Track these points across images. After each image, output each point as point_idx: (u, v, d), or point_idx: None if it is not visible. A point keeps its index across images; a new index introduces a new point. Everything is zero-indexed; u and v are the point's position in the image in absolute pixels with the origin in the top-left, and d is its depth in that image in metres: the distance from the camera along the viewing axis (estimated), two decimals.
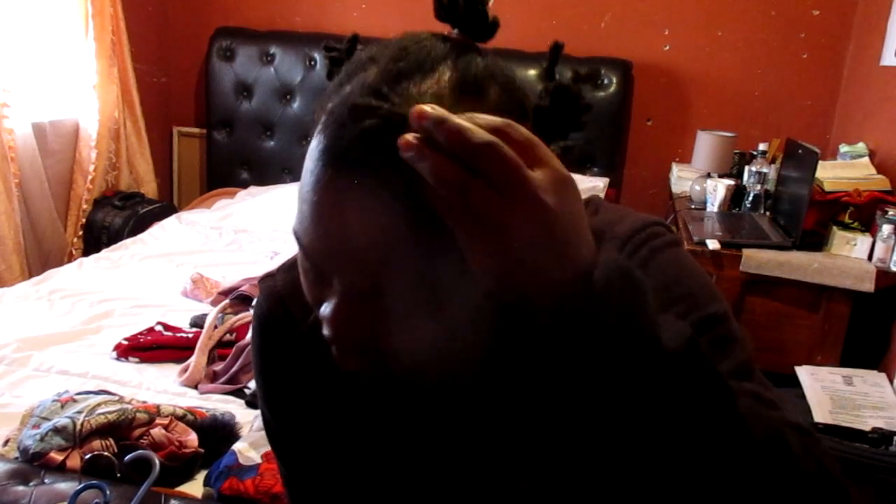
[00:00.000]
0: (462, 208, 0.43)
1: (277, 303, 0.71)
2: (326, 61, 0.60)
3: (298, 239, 0.54)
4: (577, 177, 0.53)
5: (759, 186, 2.72)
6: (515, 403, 0.66)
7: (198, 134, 3.68)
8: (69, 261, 2.89)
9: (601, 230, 0.64)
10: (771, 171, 2.76)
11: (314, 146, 0.51)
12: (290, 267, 0.72)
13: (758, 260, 2.30)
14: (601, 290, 0.46)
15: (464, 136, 0.42)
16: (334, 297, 0.53)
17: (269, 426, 0.77)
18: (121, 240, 2.92)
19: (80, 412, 1.43)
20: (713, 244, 2.34)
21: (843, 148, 2.71)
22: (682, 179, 3.06)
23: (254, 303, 2.08)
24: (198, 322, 2.11)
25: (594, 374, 0.47)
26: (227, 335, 2.00)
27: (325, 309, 0.54)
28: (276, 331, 0.71)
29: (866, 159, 2.58)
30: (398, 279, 0.51)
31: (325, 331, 0.56)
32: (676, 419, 0.48)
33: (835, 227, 2.39)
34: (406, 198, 0.47)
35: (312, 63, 3.38)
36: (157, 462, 1.06)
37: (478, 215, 0.43)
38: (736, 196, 2.76)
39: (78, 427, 1.39)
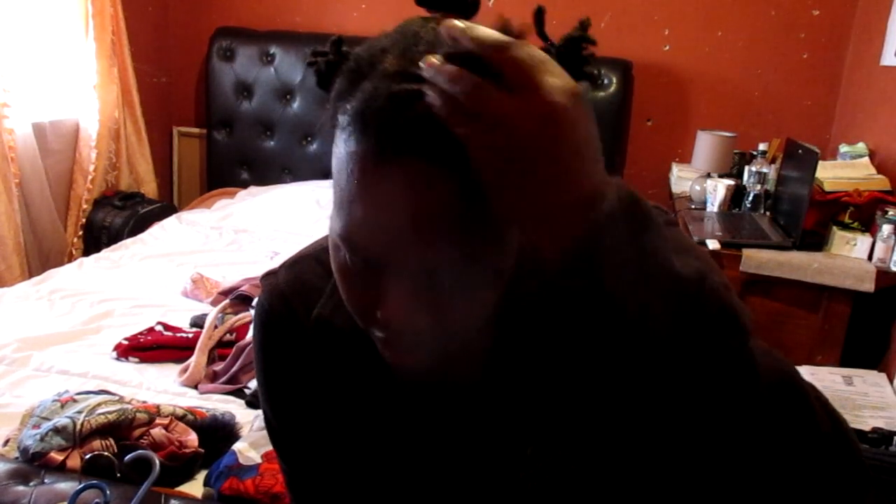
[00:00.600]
0: (477, 120, 0.45)
1: (280, 300, 0.71)
2: (319, 66, 0.59)
3: (350, 242, 0.54)
4: None
5: (759, 186, 2.72)
6: (518, 393, 0.66)
7: (198, 134, 3.68)
8: (69, 261, 2.89)
9: None
10: (771, 171, 2.75)
11: (353, 149, 0.51)
12: (292, 264, 0.72)
13: (758, 260, 2.30)
14: (609, 217, 0.46)
15: (479, 39, 0.45)
16: (392, 294, 0.53)
17: (271, 424, 0.77)
18: (121, 240, 2.93)
19: (80, 412, 1.43)
20: (713, 244, 2.34)
21: (843, 148, 2.70)
22: (682, 179, 3.06)
23: (254, 302, 2.09)
24: (198, 322, 2.11)
25: (603, 304, 0.48)
26: (227, 335, 2.00)
27: (382, 311, 0.54)
28: (278, 328, 0.71)
29: (866, 159, 2.58)
30: (458, 256, 0.52)
31: (381, 332, 0.56)
32: (690, 347, 0.49)
33: (835, 227, 2.39)
34: (464, 173, 0.48)
35: None
36: (157, 462, 1.06)
37: (491, 123, 0.44)
38: (736, 196, 2.76)
39: (78, 427, 1.39)
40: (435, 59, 0.46)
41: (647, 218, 0.48)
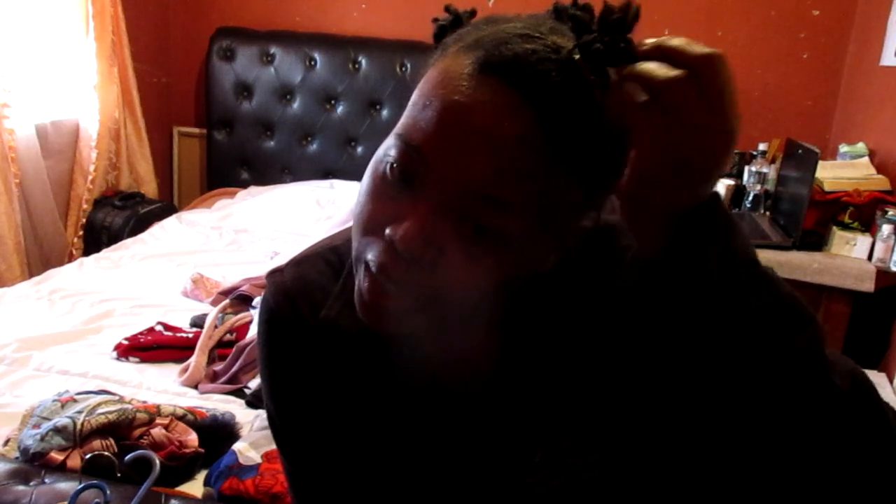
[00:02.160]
0: (665, 103, 0.48)
1: (285, 298, 0.70)
2: (446, 22, 0.61)
3: (406, 141, 0.54)
4: None
5: (759, 186, 2.72)
6: (528, 397, 0.66)
7: (198, 134, 3.68)
8: (69, 261, 2.89)
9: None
10: (771, 171, 2.76)
11: (454, 62, 0.53)
12: (298, 262, 0.72)
13: None
14: (717, 217, 0.51)
15: (687, 47, 0.49)
16: (416, 211, 0.53)
17: (274, 421, 0.77)
18: (121, 240, 2.92)
19: (80, 412, 1.43)
20: None
21: (843, 148, 2.71)
22: None
23: (255, 302, 2.09)
24: (198, 322, 2.11)
25: (710, 295, 0.51)
26: (228, 335, 2.00)
27: (395, 227, 0.54)
28: (283, 326, 0.71)
29: (866, 159, 2.58)
30: (503, 200, 0.52)
31: (377, 256, 0.55)
32: (780, 344, 0.52)
33: (835, 227, 2.39)
34: (546, 123, 0.51)
35: (312, 63, 3.38)
36: (158, 462, 1.06)
37: (677, 112, 0.48)
38: (736, 196, 2.76)
39: (78, 427, 1.39)
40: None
41: (733, 219, 0.53)
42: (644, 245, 0.53)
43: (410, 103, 0.55)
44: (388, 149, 0.56)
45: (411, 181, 0.54)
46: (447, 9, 0.61)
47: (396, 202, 0.55)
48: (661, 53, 0.49)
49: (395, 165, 0.55)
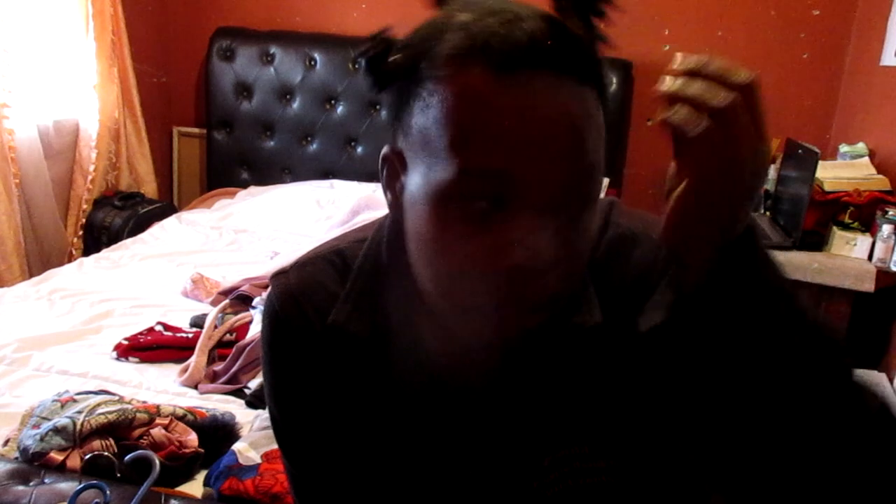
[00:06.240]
0: (726, 122, 0.48)
1: (290, 300, 0.70)
2: (370, 52, 0.59)
3: (474, 172, 0.52)
4: None
5: None
6: (536, 402, 0.66)
7: (198, 134, 3.68)
8: (69, 261, 2.89)
9: (643, 231, 0.66)
10: (771, 171, 2.75)
11: (464, 81, 0.52)
12: (303, 265, 0.72)
13: None
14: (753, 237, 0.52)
15: (730, 71, 0.50)
16: (526, 220, 0.53)
17: (277, 422, 0.77)
18: (121, 240, 2.92)
19: (80, 412, 1.43)
20: None
21: (843, 148, 2.70)
22: None
23: (255, 302, 2.08)
24: (198, 322, 2.11)
25: (749, 320, 0.51)
26: (227, 335, 1.99)
27: (520, 246, 0.53)
28: (287, 328, 0.71)
29: (866, 159, 2.58)
30: (585, 176, 0.54)
31: (508, 286, 0.54)
32: (817, 363, 0.52)
33: (835, 227, 2.39)
34: (591, 95, 0.54)
35: (312, 63, 3.38)
36: (157, 462, 1.06)
37: (738, 131, 0.48)
38: None
39: (78, 427, 1.39)
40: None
41: (768, 251, 0.53)
42: (689, 275, 0.53)
43: (434, 150, 0.53)
44: (450, 184, 0.53)
45: (500, 205, 0.53)
46: (373, 38, 0.59)
47: (492, 231, 0.53)
48: (705, 75, 0.50)
49: (476, 201, 0.53)
